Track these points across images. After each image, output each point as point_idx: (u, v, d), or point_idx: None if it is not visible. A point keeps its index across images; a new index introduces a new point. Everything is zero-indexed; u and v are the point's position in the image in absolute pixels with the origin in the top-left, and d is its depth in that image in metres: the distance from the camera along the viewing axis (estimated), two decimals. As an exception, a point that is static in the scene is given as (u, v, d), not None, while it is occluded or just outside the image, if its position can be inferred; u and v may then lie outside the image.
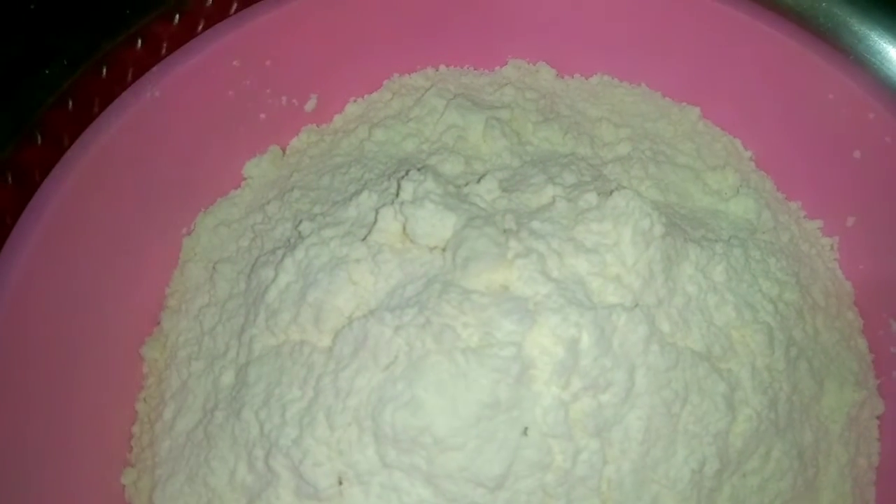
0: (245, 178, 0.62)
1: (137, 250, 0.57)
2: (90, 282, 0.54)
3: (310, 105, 0.63)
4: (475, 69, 0.66)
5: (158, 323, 0.58)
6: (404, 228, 0.47)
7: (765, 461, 0.46)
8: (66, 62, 0.55)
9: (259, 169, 0.62)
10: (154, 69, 0.55)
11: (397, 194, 0.48)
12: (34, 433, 0.49)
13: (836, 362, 0.52)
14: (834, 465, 0.50)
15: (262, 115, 0.61)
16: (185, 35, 0.58)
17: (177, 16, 0.59)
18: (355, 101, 0.65)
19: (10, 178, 0.53)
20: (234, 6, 0.60)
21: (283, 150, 0.63)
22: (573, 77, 0.65)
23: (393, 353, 0.42)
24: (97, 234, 0.54)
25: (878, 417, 0.53)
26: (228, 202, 0.61)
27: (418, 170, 0.49)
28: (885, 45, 0.53)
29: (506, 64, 0.65)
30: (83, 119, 0.55)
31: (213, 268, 0.57)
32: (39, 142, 0.54)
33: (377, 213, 0.48)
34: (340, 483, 0.43)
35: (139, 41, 0.58)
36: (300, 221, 0.52)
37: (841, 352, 0.53)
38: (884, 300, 0.55)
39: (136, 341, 0.57)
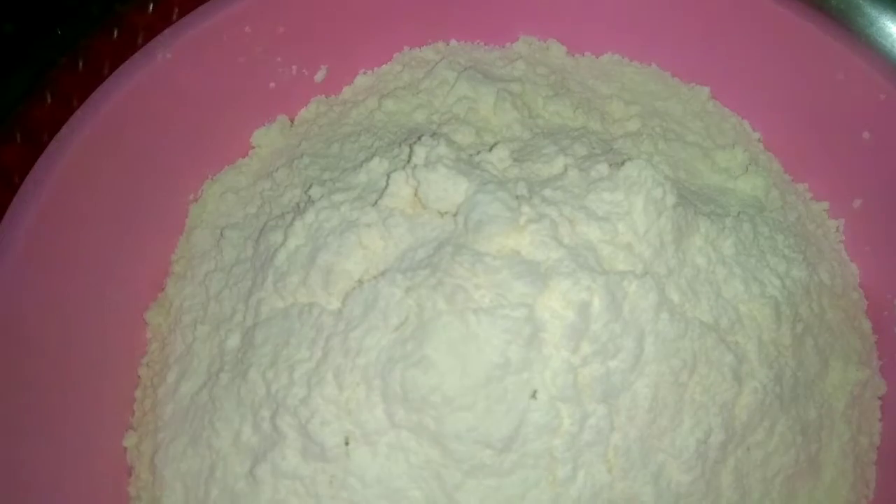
0: (253, 147, 0.62)
1: (143, 215, 0.57)
2: (95, 245, 0.53)
3: (320, 75, 0.63)
4: (486, 44, 0.66)
5: (163, 289, 0.58)
6: (416, 193, 0.47)
7: (769, 435, 0.47)
8: (78, 23, 0.54)
9: (267, 138, 0.61)
10: (166, 31, 0.55)
11: (409, 160, 0.48)
12: (37, 393, 0.48)
13: (840, 341, 0.52)
14: (836, 442, 0.50)
15: (272, 84, 0.61)
16: (194, 2, 0.58)
17: (189, -21, 0.58)
18: (365, 73, 0.65)
19: (18, 137, 0.52)
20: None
21: (292, 120, 0.63)
22: (584, 55, 0.65)
23: (403, 313, 0.42)
24: (103, 196, 0.54)
25: (880, 398, 0.54)
26: (235, 170, 0.61)
27: (431, 136, 0.49)
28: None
29: (516, 40, 0.65)
30: (92, 80, 0.55)
31: (220, 234, 0.57)
32: (49, 101, 0.54)
33: (388, 177, 0.48)
34: (347, 443, 0.43)
35: (151, 5, 0.57)
36: (310, 186, 0.52)
37: (845, 331, 0.53)
38: (888, 282, 0.55)
39: (140, 306, 0.57)
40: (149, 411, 0.53)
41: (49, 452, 0.48)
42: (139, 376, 0.55)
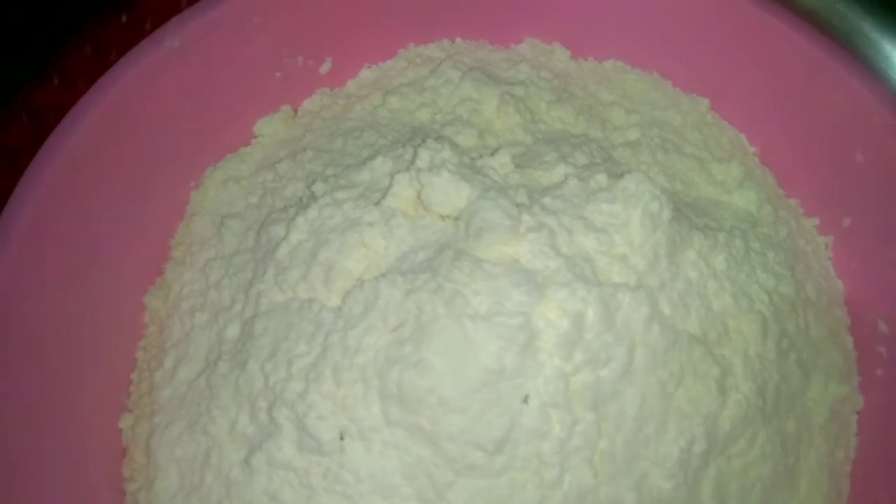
0: (255, 136, 0.62)
1: (145, 199, 0.57)
2: (96, 226, 0.54)
3: (325, 67, 0.64)
4: (491, 44, 0.66)
5: (162, 273, 0.59)
6: (418, 195, 0.47)
7: (750, 446, 0.48)
8: (87, 7, 0.55)
9: (270, 127, 0.62)
10: (175, 19, 0.56)
11: (413, 161, 0.49)
12: (33, 369, 0.49)
13: (823, 356, 0.53)
14: (814, 454, 0.52)
15: (278, 74, 0.62)
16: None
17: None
18: (370, 67, 0.65)
19: (25, 118, 0.53)
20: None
21: (295, 110, 0.64)
22: (587, 60, 0.66)
23: (403, 315, 0.43)
24: (107, 179, 0.54)
25: (857, 413, 0.55)
26: (238, 158, 0.61)
27: (435, 139, 0.50)
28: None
29: (521, 42, 0.66)
30: (99, 64, 0.55)
31: (221, 222, 0.57)
32: (55, 83, 0.54)
33: (392, 178, 0.48)
34: (342, 438, 0.44)
35: (160, -9, 0.58)
36: (313, 182, 0.52)
37: (829, 347, 0.54)
38: (872, 300, 0.57)
39: (140, 290, 0.58)
40: (145, 394, 0.54)
41: (43, 429, 0.49)
42: (136, 359, 0.56)
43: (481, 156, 0.52)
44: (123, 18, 0.56)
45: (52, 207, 0.50)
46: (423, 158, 0.48)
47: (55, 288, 0.51)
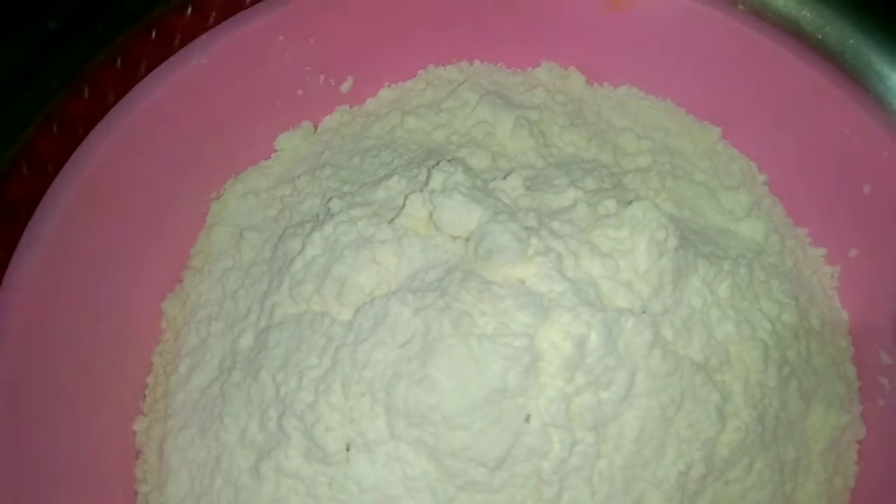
0: (276, 150, 0.64)
1: (168, 208, 0.59)
2: (120, 233, 0.56)
3: (346, 86, 0.65)
4: (508, 68, 0.68)
5: (180, 280, 0.60)
6: (431, 216, 0.49)
7: (748, 471, 0.49)
8: (118, 22, 0.57)
9: (291, 143, 0.64)
10: (202, 37, 0.57)
11: (427, 182, 0.50)
12: (52, 369, 0.51)
13: (824, 385, 0.54)
14: (812, 482, 0.52)
15: (300, 92, 0.63)
16: (233, 7, 0.60)
17: (226, -10, 0.61)
18: (389, 86, 0.67)
19: (55, 128, 0.55)
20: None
21: (315, 126, 0.65)
22: (602, 85, 0.67)
23: (411, 332, 0.44)
24: (133, 188, 0.56)
25: (858, 442, 0.56)
26: (258, 171, 0.63)
27: (449, 161, 0.51)
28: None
29: (538, 65, 0.67)
30: (129, 78, 0.57)
31: (240, 234, 0.59)
32: (86, 96, 0.56)
33: (406, 198, 0.50)
34: (348, 449, 0.45)
35: (189, 8, 0.60)
36: (330, 199, 0.54)
37: (830, 376, 0.55)
38: (876, 331, 0.57)
39: (158, 295, 0.59)
40: (160, 398, 0.56)
41: (59, 429, 0.50)
42: (152, 363, 0.58)
43: (493, 178, 0.53)
44: (153, 35, 0.58)
45: (78, 214, 0.52)
46: (437, 180, 0.49)
47: (76, 290, 0.53)
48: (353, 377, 0.45)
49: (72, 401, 0.52)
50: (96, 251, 0.54)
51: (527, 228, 0.47)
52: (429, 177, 0.50)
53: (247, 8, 0.60)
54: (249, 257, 0.57)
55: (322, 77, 0.64)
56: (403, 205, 0.50)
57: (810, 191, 0.61)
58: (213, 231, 0.61)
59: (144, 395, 0.57)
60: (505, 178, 0.53)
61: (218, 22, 0.59)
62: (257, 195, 0.61)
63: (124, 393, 0.56)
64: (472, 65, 0.67)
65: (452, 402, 0.43)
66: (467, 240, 0.48)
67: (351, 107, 0.66)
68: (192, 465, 0.50)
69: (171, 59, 0.56)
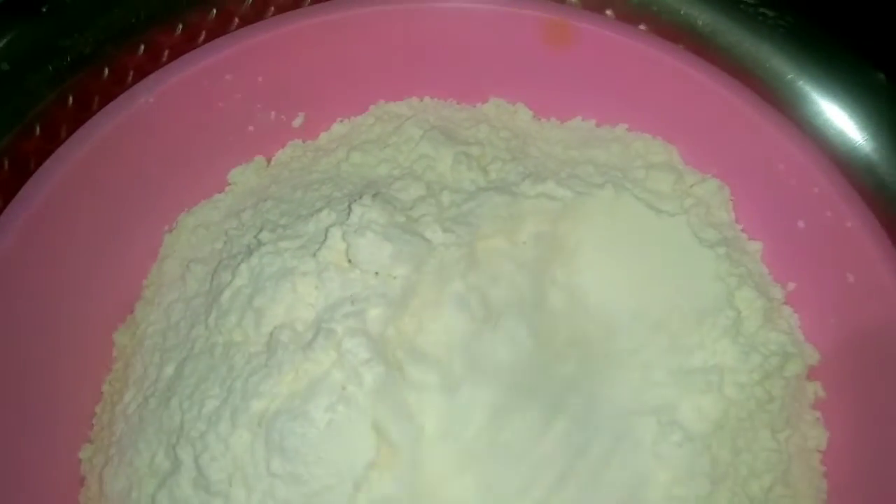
0: (229, 184, 0.66)
1: (122, 242, 0.61)
2: (73, 266, 0.57)
3: (297, 121, 0.67)
4: (458, 103, 0.69)
5: (132, 312, 0.62)
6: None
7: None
8: (70, 61, 0.59)
9: (243, 176, 0.65)
10: (150, 76, 0.59)
11: (349, 216, 0.51)
12: (4, 399, 0.52)
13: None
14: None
15: (251, 128, 0.65)
16: (185, 45, 0.63)
17: (180, 26, 0.63)
18: (342, 121, 0.68)
19: (6, 165, 0.57)
20: (236, 22, 0.65)
21: (269, 160, 0.67)
22: (549, 120, 0.68)
23: (296, 368, 0.45)
24: (86, 221, 0.58)
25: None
26: (211, 205, 0.64)
27: (373, 195, 0.52)
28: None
29: (487, 101, 0.68)
30: (81, 115, 0.59)
31: (187, 266, 0.61)
32: (38, 133, 0.58)
33: (327, 231, 0.51)
34: (231, 483, 0.46)
35: (142, 48, 0.62)
36: (261, 230, 0.55)
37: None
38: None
39: (111, 326, 0.61)
40: (106, 427, 0.57)
41: (9, 456, 0.52)
42: (102, 392, 0.59)
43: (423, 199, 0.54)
44: (105, 74, 0.60)
45: (32, 245, 0.54)
46: (355, 214, 0.50)
47: (31, 321, 0.54)
48: (241, 408, 0.46)
49: (22, 427, 0.53)
50: (49, 284, 0.55)
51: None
52: (349, 211, 0.51)
53: (197, 48, 0.62)
54: (193, 289, 0.59)
55: (273, 113, 0.66)
56: (324, 238, 0.51)
57: (754, 224, 0.61)
58: (164, 263, 0.62)
59: (93, 424, 0.58)
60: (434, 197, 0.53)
61: (171, 61, 0.62)
62: (207, 228, 0.63)
63: (74, 422, 0.58)
64: (422, 100, 0.68)
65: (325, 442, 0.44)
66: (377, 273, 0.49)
67: (304, 141, 0.68)
68: (119, 494, 0.51)
69: (120, 97, 0.58)
